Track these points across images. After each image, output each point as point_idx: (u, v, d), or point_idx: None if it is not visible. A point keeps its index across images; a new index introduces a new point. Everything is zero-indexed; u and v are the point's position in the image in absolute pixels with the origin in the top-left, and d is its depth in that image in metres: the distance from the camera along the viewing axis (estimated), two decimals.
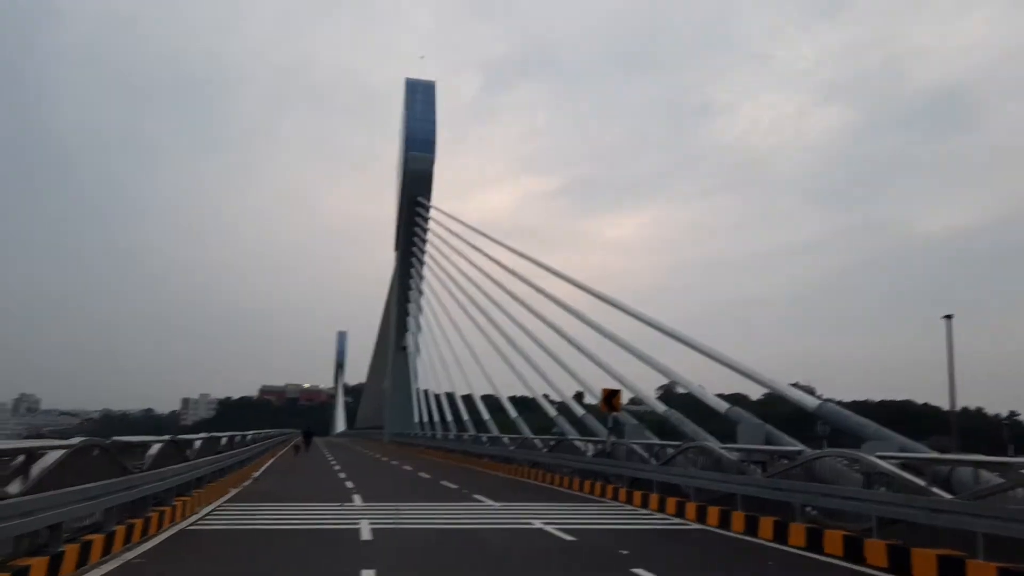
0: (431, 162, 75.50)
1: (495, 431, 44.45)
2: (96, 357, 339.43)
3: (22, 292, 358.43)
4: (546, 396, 39.70)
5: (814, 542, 12.40)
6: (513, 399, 46.15)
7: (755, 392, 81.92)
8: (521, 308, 39.58)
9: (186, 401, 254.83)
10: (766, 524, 13.78)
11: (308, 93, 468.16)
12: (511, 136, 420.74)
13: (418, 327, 73.72)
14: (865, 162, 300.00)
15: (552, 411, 38.03)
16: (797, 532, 12.91)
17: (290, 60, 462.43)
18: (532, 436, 34.99)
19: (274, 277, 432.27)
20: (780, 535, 13.29)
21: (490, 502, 19.25)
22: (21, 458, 9.51)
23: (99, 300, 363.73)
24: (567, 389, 36.66)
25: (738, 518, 14.70)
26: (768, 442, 18.37)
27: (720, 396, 25.65)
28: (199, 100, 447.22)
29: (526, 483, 27.20)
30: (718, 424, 23.16)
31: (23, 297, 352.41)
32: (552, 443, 30.28)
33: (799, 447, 16.03)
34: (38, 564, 8.63)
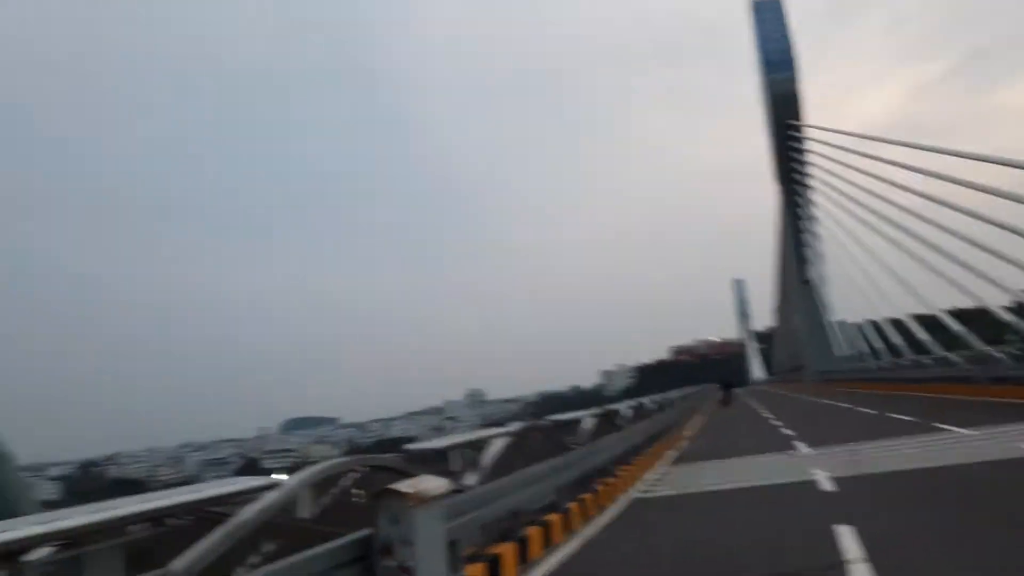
0: (795, 80, 70.21)
1: (937, 351, 39.45)
2: (524, 347, 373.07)
3: (451, 297, 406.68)
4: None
5: None
6: (951, 313, 40.45)
7: None
8: (939, 208, 34.46)
9: (606, 373, 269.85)
10: None
11: (655, 47, 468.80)
12: (876, 30, 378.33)
13: (818, 256, 69.00)
14: None
15: (1007, 316, 32.48)
16: None
17: (630, 19, 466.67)
18: (988, 349, 30.24)
19: (659, 238, 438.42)
20: None
21: (961, 431, 16.51)
22: (470, 450, 9.86)
23: (515, 295, 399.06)
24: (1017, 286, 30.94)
25: None
26: None
27: None
28: (559, 91, 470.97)
29: (997, 403, 23.27)
30: None
31: (454, 302, 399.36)
32: (1020, 353, 25.74)
33: None
34: (507, 549, 8.77)
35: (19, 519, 4.30)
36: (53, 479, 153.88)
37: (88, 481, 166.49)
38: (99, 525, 4.14)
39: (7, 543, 3.64)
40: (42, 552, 4.32)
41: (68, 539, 4.11)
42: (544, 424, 12.53)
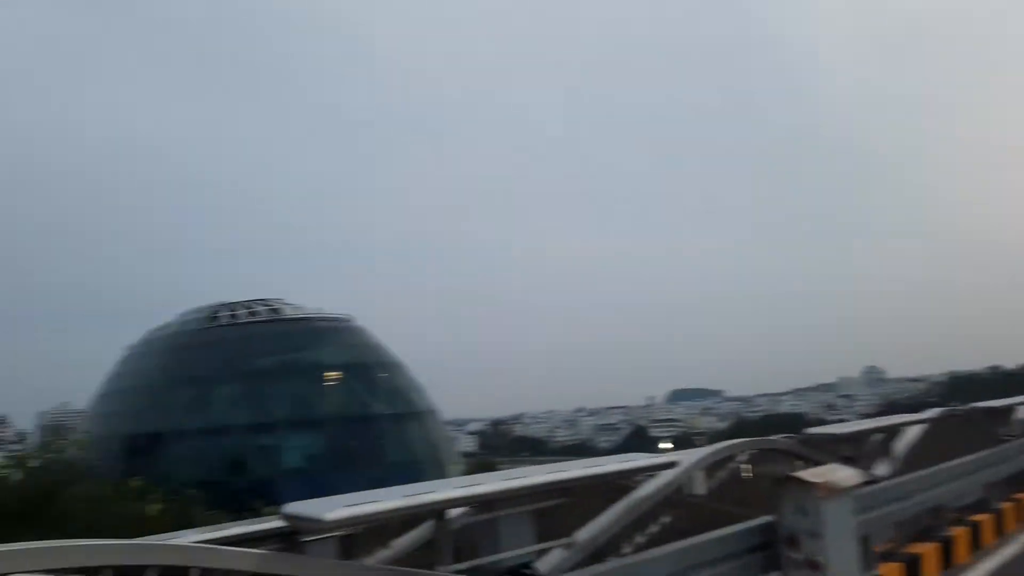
0: None
1: None
2: (933, 319, 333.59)
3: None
4: None
5: None
6: None
7: None
8: None
9: None
10: None
11: None
12: None
13: None
14: None
15: None
16: None
17: None
18: None
19: None
20: None
21: None
22: (880, 436, 8.92)
23: (928, 260, 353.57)
24: None
25: None
26: None
27: None
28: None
29: None
30: None
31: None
32: None
33: None
34: (929, 550, 7.81)
35: (443, 481, 4.70)
36: (470, 433, 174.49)
37: (496, 437, 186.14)
38: (511, 492, 4.34)
39: (436, 503, 3.95)
40: (461, 512, 4.67)
41: (484, 503, 4.37)
42: (967, 410, 10.94)
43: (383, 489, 4.08)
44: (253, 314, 55.88)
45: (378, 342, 56.89)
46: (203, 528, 5.19)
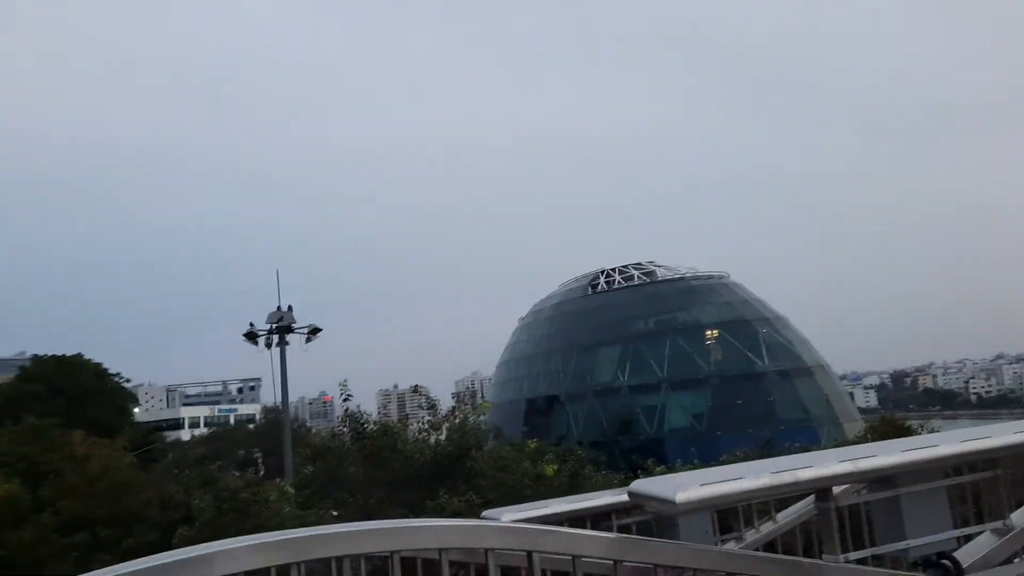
0: None
1: None
2: None
3: None
4: None
5: None
6: None
7: None
8: None
9: None
10: None
11: None
12: None
13: None
14: None
15: None
16: None
17: None
18: None
19: None
20: None
21: None
22: None
23: None
24: None
25: None
26: None
27: None
28: None
29: None
30: None
31: None
32: None
33: None
34: None
35: (824, 452, 3.96)
36: (867, 388, 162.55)
37: (899, 390, 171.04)
38: (914, 465, 3.47)
39: (812, 480, 3.28)
40: (849, 487, 3.90)
41: (879, 479, 3.55)
42: None
43: (749, 464, 3.51)
44: (628, 279, 57.46)
45: (756, 297, 55.06)
46: (569, 498, 5.00)
